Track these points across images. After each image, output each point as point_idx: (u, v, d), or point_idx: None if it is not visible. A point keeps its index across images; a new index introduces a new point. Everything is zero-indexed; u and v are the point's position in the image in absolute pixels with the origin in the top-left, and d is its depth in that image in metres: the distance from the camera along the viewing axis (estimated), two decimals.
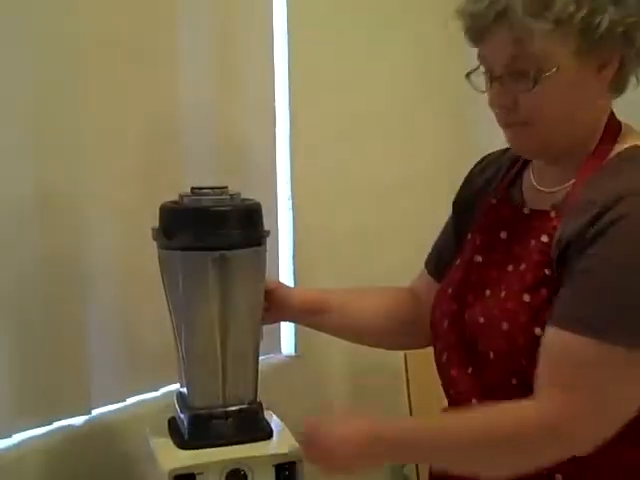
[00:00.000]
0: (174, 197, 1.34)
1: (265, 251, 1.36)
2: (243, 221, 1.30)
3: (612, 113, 1.23)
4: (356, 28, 1.35)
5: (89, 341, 1.57)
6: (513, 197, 1.30)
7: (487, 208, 1.31)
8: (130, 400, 1.66)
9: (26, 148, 1.45)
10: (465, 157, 1.42)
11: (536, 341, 1.15)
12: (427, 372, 1.35)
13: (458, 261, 1.33)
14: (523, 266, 1.21)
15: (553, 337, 1.13)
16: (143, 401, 1.68)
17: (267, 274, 1.38)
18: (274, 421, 1.38)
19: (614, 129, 1.22)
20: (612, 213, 1.10)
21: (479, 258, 1.29)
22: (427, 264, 1.49)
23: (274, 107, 1.92)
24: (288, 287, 1.55)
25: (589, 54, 1.13)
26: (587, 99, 1.18)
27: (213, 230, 1.27)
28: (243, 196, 1.35)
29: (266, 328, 1.42)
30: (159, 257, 1.33)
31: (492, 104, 1.19)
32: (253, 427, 1.33)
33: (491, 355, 1.20)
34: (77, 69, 1.50)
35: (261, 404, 1.35)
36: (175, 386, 1.47)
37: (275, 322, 1.53)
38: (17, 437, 1.48)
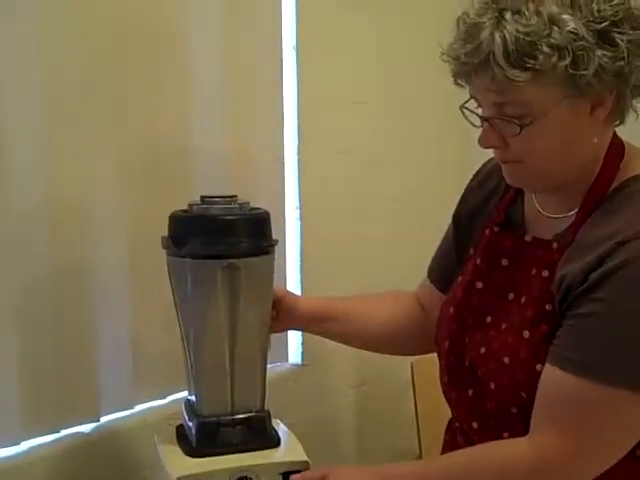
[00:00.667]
0: (184, 206, 1.35)
1: (273, 260, 1.36)
2: (252, 230, 1.31)
3: (615, 135, 1.20)
4: (365, 40, 1.36)
5: (97, 348, 1.58)
6: (514, 220, 1.28)
7: (489, 235, 1.29)
8: (138, 407, 1.67)
9: (37, 158, 1.46)
10: (471, 166, 1.42)
11: (536, 376, 1.15)
12: (434, 380, 1.35)
13: (460, 279, 1.32)
14: (524, 299, 1.20)
15: (552, 376, 1.13)
16: (151, 408, 1.69)
17: (275, 282, 1.39)
18: (281, 429, 1.39)
19: (616, 155, 1.19)
20: (616, 257, 1.08)
21: (480, 284, 1.27)
22: (429, 273, 1.50)
23: (283, 117, 1.93)
24: (295, 295, 1.56)
25: (579, 98, 1.10)
26: (581, 138, 1.14)
27: (222, 239, 1.28)
28: (252, 205, 1.36)
29: (273, 337, 1.42)
30: (168, 265, 1.33)
31: (481, 144, 1.17)
32: (261, 435, 1.33)
33: (492, 385, 1.21)
34: (89, 81, 1.52)
35: (269, 412, 1.35)
36: (183, 394, 1.48)
37: (283, 331, 1.54)
38: (26, 444, 1.49)
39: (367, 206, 1.58)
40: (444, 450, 1.39)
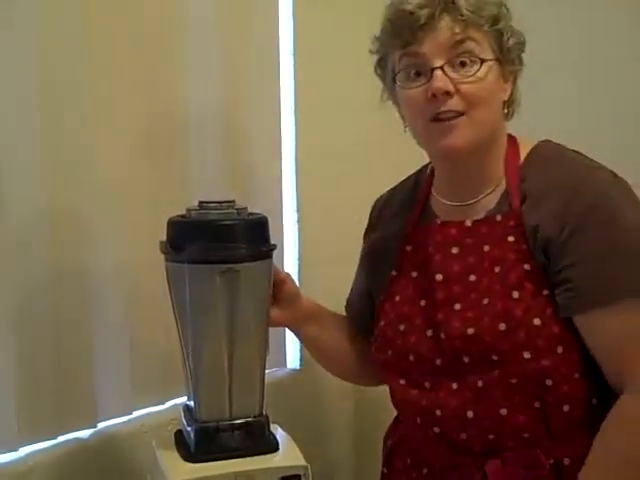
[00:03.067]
0: (182, 211, 1.35)
1: (272, 264, 1.37)
2: (250, 235, 1.31)
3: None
4: (363, 45, 1.37)
5: (96, 354, 1.57)
6: (432, 223, 1.39)
7: (411, 236, 1.41)
8: (136, 413, 1.66)
9: (36, 164, 1.46)
10: None
11: (536, 332, 1.22)
12: None
13: (398, 297, 1.39)
14: (497, 269, 1.27)
15: (598, 321, 1.22)
16: (149, 414, 1.68)
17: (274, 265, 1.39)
18: (280, 434, 1.39)
19: (512, 138, 1.37)
20: (576, 205, 1.23)
21: (440, 277, 1.34)
22: (349, 313, 1.59)
23: (280, 122, 1.94)
24: (296, 284, 1.54)
25: (502, 64, 1.29)
26: (499, 102, 1.31)
27: (221, 244, 1.28)
28: (250, 210, 1.36)
29: (271, 342, 1.42)
30: (167, 270, 1.34)
31: (438, 90, 1.25)
32: (259, 440, 1.33)
33: (494, 357, 1.24)
34: (86, 87, 1.52)
35: (267, 417, 1.35)
36: (181, 399, 1.48)
37: (281, 324, 1.53)
38: (24, 450, 1.48)
39: (365, 211, 1.59)
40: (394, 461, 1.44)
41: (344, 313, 1.61)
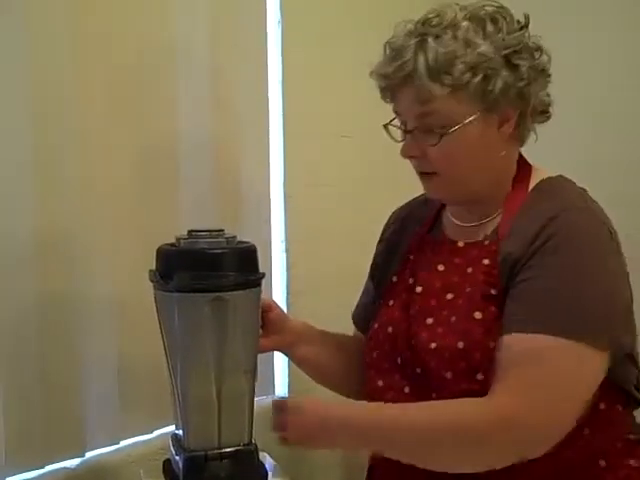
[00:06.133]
0: (171, 239, 1.36)
1: (260, 293, 1.37)
2: (239, 264, 1.31)
3: (521, 156, 1.38)
4: (349, 73, 1.38)
5: (83, 383, 1.57)
6: (438, 237, 1.43)
7: (417, 246, 1.44)
8: (124, 442, 1.66)
9: (26, 187, 1.47)
10: None
11: (491, 354, 1.23)
12: None
13: (392, 302, 1.42)
14: (469, 289, 1.30)
15: (506, 341, 1.22)
16: (137, 443, 1.68)
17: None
18: (269, 462, 1.39)
19: (526, 169, 1.36)
20: (548, 229, 1.23)
21: (420, 289, 1.38)
22: (357, 322, 1.59)
23: (269, 150, 1.95)
24: (282, 310, 1.55)
25: (489, 113, 1.27)
26: (491, 152, 1.31)
27: (210, 272, 1.28)
28: (239, 239, 1.36)
29: (260, 370, 1.42)
30: (155, 299, 1.34)
31: (403, 154, 1.32)
32: (248, 469, 1.32)
33: (448, 375, 1.26)
34: (76, 117, 1.53)
35: (256, 445, 1.35)
36: (169, 428, 1.47)
37: (271, 349, 1.54)
38: None
39: (353, 238, 1.60)
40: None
41: None
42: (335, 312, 1.64)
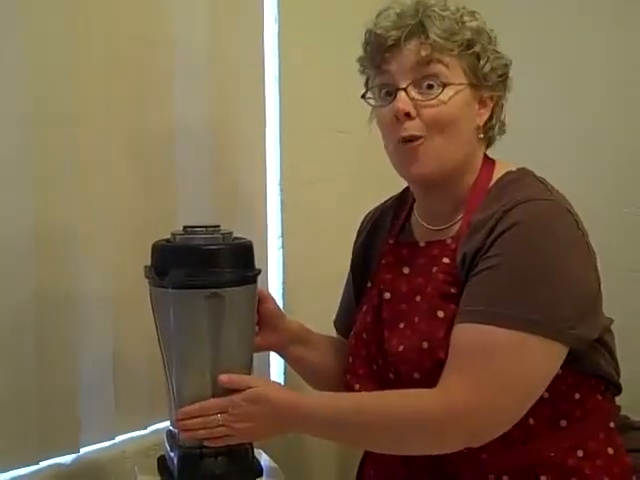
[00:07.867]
0: (166, 235, 1.35)
1: (256, 289, 1.37)
2: (235, 260, 1.31)
3: (485, 155, 1.39)
4: (346, 69, 1.38)
5: (78, 379, 1.57)
6: (407, 240, 1.43)
7: (387, 250, 1.44)
8: (119, 438, 1.65)
9: (23, 183, 1.46)
10: None
11: None
12: None
13: (365, 307, 1.44)
14: (429, 289, 1.31)
15: (458, 331, 1.22)
16: (132, 439, 1.68)
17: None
18: (264, 459, 1.39)
19: (489, 164, 1.38)
20: (504, 222, 1.23)
21: (387, 295, 1.39)
22: (338, 328, 1.60)
23: (265, 146, 1.95)
24: (278, 305, 1.55)
25: (475, 90, 1.32)
26: (470, 126, 1.34)
27: (205, 268, 1.28)
28: (235, 235, 1.36)
29: (255, 367, 1.42)
30: (151, 295, 1.33)
31: (398, 112, 1.29)
32: (243, 465, 1.32)
33: (416, 375, 1.27)
34: (72, 107, 1.52)
35: (251, 442, 1.35)
36: (164, 424, 1.47)
37: (266, 348, 1.54)
38: (4, 477, 1.47)
39: (349, 235, 1.60)
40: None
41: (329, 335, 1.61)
42: (331, 308, 1.64)
